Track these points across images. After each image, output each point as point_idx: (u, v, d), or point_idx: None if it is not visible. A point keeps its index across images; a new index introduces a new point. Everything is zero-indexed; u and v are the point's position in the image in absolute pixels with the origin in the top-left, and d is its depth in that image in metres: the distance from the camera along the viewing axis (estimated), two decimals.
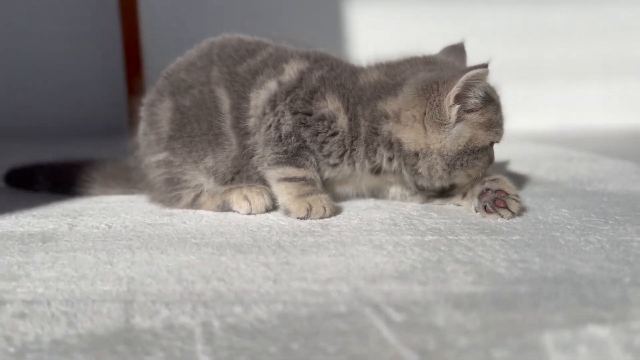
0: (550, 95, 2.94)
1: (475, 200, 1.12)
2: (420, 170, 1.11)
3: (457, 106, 1.06)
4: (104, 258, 0.90)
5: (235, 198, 1.17)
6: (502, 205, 1.08)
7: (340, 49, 2.96)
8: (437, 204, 1.23)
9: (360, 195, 1.27)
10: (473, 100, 1.07)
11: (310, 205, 1.11)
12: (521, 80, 2.93)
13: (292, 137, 1.12)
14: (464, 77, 1.03)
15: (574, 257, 0.84)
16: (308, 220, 1.11)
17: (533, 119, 2.90)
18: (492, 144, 1.13)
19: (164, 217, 1.17)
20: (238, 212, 1.18)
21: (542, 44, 2.91)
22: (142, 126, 1.27)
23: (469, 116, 1.08)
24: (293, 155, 1.13)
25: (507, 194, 1.10)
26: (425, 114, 1.07)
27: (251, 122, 1.15)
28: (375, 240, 0.96)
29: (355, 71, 1.19)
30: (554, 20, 2.90)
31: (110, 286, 0.77)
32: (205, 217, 1.17)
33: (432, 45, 2.83)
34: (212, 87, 1.20)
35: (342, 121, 1.13)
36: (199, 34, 2.82)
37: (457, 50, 1.28)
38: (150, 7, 2.96)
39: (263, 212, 1.18)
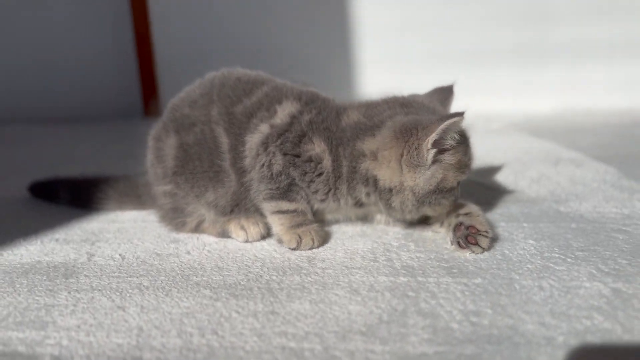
0: (554, 77, 2.96)
1: (451, 234, 1.23)
2: (393, 205, 1.22)
3: (434, 150, 1.15)
4: (117, 301, 1.04)
5: (234, 227, 1.30)
6: (473, 242, 1.19)
7: (345, 32, 2.99)
8: (417, 231, 1.35)
9: (349, 220, 1.40)
10: (449, 142, 1.16)
11: (300, 238, 1.24)
12: (524, 61, 2.96)
13: (283, 176, 1.24)
14: (443, 125, 1.11)
15: (522, 309, 0.96)
16: (298, 253, 1.24)
17: (536, 100, 2.95)
18: (459, 183, 1.22)
19: (171, 245, 1.32)
20: (236, 239, 1.31)
21: (546, 26, 2.90)
22: (149, 157, 1.39)
23: (442, 157, 1.17)
24: (285, 191, 1.25)
25: (478, 230, 1.20)
26: (402, 155, 1.16)
27: (247, 162, 1.26)
28: (353, 281, 1.09)
29: (339, 112, 1.27)
30: (558, 1, 2.88)
31: (122, 339, 0.91)
32: (208, 246, 1.31)
33: (438, 29, 2.88)
34: (213, 127, 1.30)
35: (327, 162, 1.23)
36: (206, 22, 2.89)
37: (445, 92, 1.35)
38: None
39: (259, 240, 1.31)
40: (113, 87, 3.14)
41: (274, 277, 1.12)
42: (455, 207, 1.28)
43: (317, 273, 1.14)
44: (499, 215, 1.42)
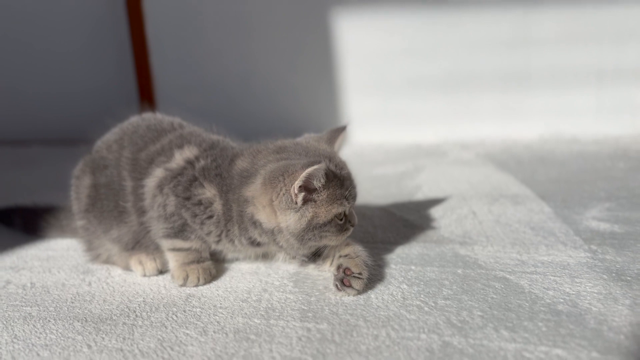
0: (539, 103, 2.89)
1: (332, 276, 1.28)
2: (281, 244, 1.28)
3: (303, 193, 1.20)
4: None
5: (133, 262, 1.41)
6: (347, 284, 1.24)
7: (328, 60, 3.06)
8: (310, 269, 1.40)
9: (250, 259, 1.46)
10: (316, 185, 1.20)
11: (187, 275, 1.33)
12: (509, 87, 2.91)
13: (176, 216, 1.33)
14: (305, 173, 1.16)
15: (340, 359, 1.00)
16: (183, 289, 1.33)
17: (520, 127, 2.90)
18: (340, 215, 1.25)
19: (80, 276, 1.44)
20: (136, 273, 1.42)
21: (531, 51, 2.84)
22: (71, 194, 1.52)
23: (312, 197, 1.21)
24: (179, 230, 1.34)
25: (352, 272, 1.25)
26: (272, 200, 1.23)
27: (146, 203, 1.37)
28: (212, 321, 1.16)
29: (233, 159, 1.34)
30: (543, 26, 2.81)
31: None
32: (110, 279, 1.42)
33: (420, 56, 2.90)
34: (120, 170, 1.41)
35: (217, 206, 1.31)
36: (199, 35, 3.05)
37: (337, 131, 1.40)
38: (157, 21, 3.21)
39: (156, 275, 1.41)
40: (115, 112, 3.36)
41: (144, 314, 1.21)
42: (341, 248, 1.33)
43: (185, 311, 1.22)
44: (395, 256, 1.45)
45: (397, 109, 3.00)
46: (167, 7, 3.18)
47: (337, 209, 1.24)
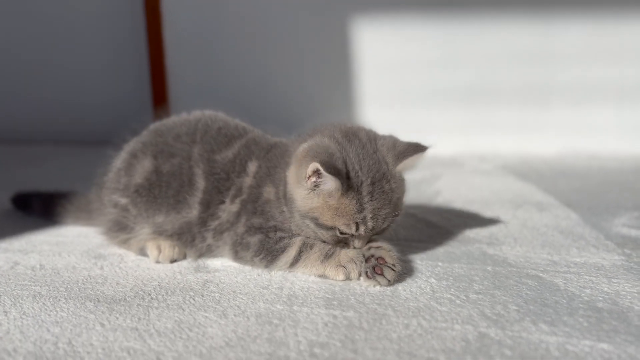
0: (559, 118, 2.86)
1: (362, 265, 1.22)
2: (291, 215, 1.26)
3: (314, 179, 1.14)
4: (7, 306, 1.11)
5: (150, 245, 1.36)
6: (379, 272, 1.18)
7: (346, 69, 3.04)
8: None
9: None
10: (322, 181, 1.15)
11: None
12: (528, 101, 2.88)
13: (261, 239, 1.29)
14: (312, 166, 1.12)
15: (371, 345, 0.94)
16: (199, 274, 1.27)
17: (539, 141, 2.86)
18: (344, 232, 1.20)
19: (92, 260, 1.39)
20: (149, 257, 1.36)
21: (551, 66, 2.83)
22: (117, 164, 1.42)
23: (320, 189, 1.16)
24: (274, 243, 1.28)
25: (385, 262, 1.19)
26: (295, 173, 1.19)
27: (223, 217, 1.33)
28: (232, 305, 1.10)
29: (283, 155, 1.33)
30: (565, 41, 2.80)
31: None
32: (124, 263, 1.36)
33: (439, 67, 2.88)
34: (192, 164, 1.35)
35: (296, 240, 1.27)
36: (216, 42, 3.04)
37: (414, 150, 1.23)
38: (175, 27, 3.21)
39: (169, 263, 1.35)
40: (130, 114, 3.34)
41: (160, 297, 1.16)
42: (369, 243, 1.27)
43: (202, 296, 1.16)
44: (420, 253, 1.39)
45: (413, 120, 2.96)
46: (185, 16, 3.19)
47: (341, 225, 1.18)
